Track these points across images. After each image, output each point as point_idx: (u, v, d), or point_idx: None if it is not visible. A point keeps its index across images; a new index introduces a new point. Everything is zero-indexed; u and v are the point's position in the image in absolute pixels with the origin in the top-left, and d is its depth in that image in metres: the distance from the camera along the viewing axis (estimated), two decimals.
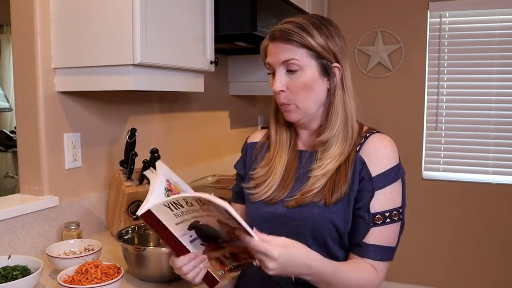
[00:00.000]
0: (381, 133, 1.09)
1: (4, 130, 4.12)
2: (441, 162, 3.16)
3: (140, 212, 0.82)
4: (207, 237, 0.90)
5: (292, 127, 1.15)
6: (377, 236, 1.00)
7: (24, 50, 1.46)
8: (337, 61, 1.05)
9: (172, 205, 0.84)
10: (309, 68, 1.03)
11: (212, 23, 1.71)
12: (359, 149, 1.04)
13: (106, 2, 1.34)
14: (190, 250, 0.90)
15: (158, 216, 0.84)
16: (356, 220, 1.02)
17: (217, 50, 1.78)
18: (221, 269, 0.94)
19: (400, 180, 1.04)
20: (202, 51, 1.68)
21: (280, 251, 0.82)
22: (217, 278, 0.94)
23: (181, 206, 0.84)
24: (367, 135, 1.07)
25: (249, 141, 1.24)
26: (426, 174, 3.18)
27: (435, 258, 3.18)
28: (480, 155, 3.06)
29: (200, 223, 0.88)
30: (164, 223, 0.85)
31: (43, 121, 1.47)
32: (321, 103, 1.07)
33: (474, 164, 3.08)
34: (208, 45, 1.70)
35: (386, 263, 1.01)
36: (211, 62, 1.72)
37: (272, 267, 0.83)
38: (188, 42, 1.59)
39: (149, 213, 0.83)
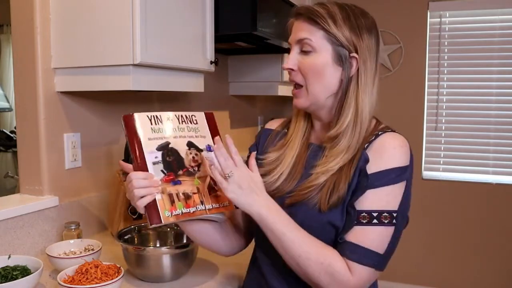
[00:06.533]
0: (396, 132, 1.02)
1: (4, 130, 4.13)
2: (441, 162, 3.16)
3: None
4: (169, 164, 0.95)
5: (309, 118, 1.11)
6: (359, 235, 0.92)
7: (24, 50, 1.46)
8: (357, 53, 1.00)
9: (154, 118, 0.96)
10: (324, 52, 0.99)
11: (212, 23, 1.71)
12: (367, 146, 0.99)
13: (106, 2, 1.34)
14: (150, 170, 0.92)
15: (136, 120, 0.94)
16: (346, 216, 0.96)
17: (217, 50, 1.78)
18: (169, 210, 0.91)
19: (403, 183, 0.95)
20: (202, 51, 1.68)
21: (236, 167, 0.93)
22: (161, 216, 0.90)
23: (161, 122, 0.97)
24: (379, 133, 1.01)
25: (265, 127, 1.22)
26: (426, 174, 3.18)
27: (435, 258, 3.18)
28: (480, 155, 3.07)
29: (170, 145, 0.96)
30: (138, 131, 0.94)
31: (43, 121, 1.47)
32: (331, 92, 1.01)
33: (474, 164, 3.08)
34: (208, 45, 1.70)
35: (366, 268, 0.90)
36: (211, 62, 1.72)
37: (227, 184, 0.90)
38: (188, 42, 1.59)
39: (130, 116, 0.94)
